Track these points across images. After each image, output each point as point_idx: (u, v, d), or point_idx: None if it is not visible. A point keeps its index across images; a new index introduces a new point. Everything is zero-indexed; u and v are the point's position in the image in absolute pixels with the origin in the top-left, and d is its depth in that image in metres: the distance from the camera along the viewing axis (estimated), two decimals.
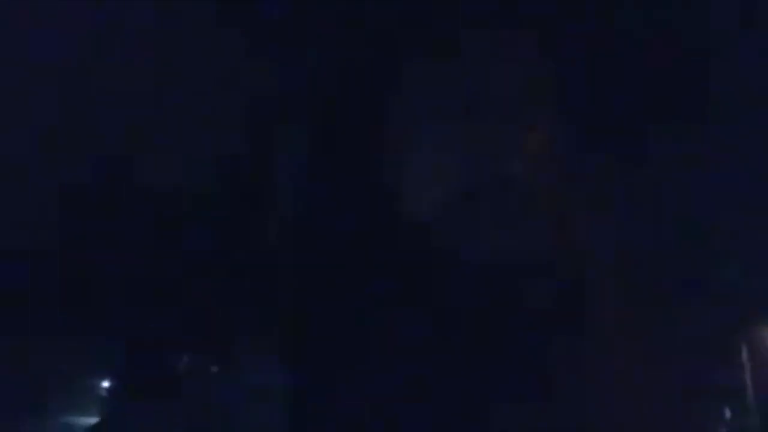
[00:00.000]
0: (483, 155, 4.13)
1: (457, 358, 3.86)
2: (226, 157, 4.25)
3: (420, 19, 3.96)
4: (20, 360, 3.99)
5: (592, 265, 4.13)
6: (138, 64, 3.95)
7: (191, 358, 4.33)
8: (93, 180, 4.12)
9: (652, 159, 4.25)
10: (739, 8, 3.79)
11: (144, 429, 3.96)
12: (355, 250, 4.02)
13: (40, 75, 3.85)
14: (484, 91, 4.07)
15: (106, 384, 4.32)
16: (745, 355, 5.12)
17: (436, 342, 3.84)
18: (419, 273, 3.95)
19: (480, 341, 3.86)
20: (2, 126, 3.85)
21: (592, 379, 3.87)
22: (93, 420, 4.16)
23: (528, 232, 3.97)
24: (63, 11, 3.76)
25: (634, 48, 4.00)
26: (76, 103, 3.94)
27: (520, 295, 3.90)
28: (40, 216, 4.08)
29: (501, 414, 3.75)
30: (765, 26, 3.78)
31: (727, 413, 4.73)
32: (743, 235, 4.44)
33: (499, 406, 3.76)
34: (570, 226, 4.11)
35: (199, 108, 4.08)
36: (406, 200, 4.04)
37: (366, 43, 4.04)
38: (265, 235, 4.35)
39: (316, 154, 4.24)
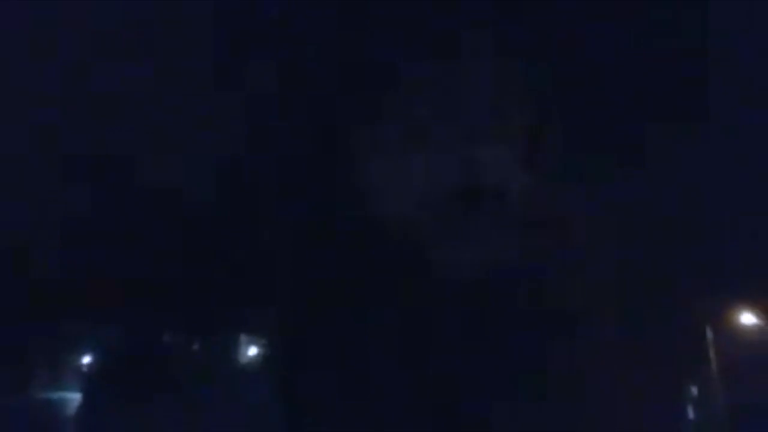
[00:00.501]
0: (478, 161, 4.09)
1: (450, 357, 3.88)
2: (225, 156, 4.23)
3: (410, 25, 3.88)
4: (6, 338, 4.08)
5: (583, 269, 4.10)
6: (138, 63, 3.93)
7: (185, 353, 4.39)
8: (93, 178, 4.15)
9: (648, 160, 4.15)
10: (738, 8, 3.62)
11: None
12: (353, 251, 4.02)
13: (40, 74, 3.86)
14: (479, 96, 4.00)
15: (87, 361, 4.41)
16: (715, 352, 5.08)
17: (432, 343, 3.86)
18: (416, 274, 3.96)
19: (474, 342, 3.88)
20: (3, 125, 3.88)
21: (581, 381, 3.87)
22: (73, 396, 4.25)
23: (520, 238, 3.94)
24: (62, 11, 3.75)
25: (630, 50, 3.87)
26: (75, 102, 3.95)
27: (515, 300, 3.90)
28: (39, 209, 4.14)
29: (498, 417, 3.78)
30: (765, 26, 3.60)
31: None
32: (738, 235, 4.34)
33: (496, 409, 3.80)
34: (562, 230, 4.06)
35: (198, 108, 4.07)
36: (405, 203, 4.02)
37: (361, 45, 3.97)
38: (263, 236, 4.37)
39: (311, 158, 4.21)
